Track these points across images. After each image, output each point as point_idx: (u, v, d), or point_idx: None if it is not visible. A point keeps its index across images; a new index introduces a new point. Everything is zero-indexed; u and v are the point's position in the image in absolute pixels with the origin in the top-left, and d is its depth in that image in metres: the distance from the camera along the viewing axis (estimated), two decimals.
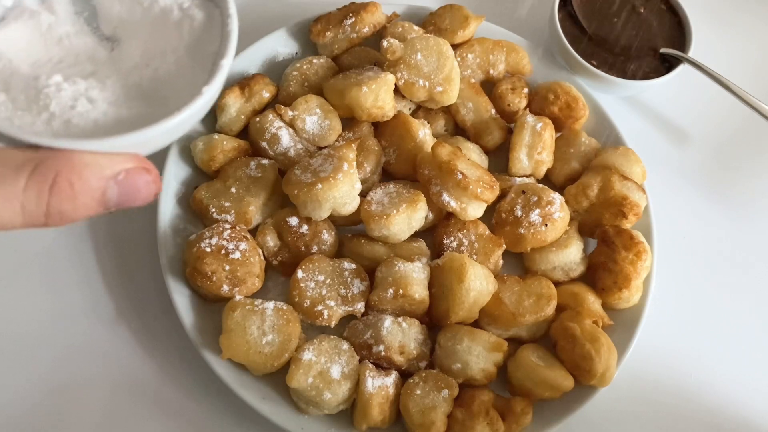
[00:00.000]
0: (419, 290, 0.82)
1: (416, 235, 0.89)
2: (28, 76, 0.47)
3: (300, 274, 0.84)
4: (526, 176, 0.96)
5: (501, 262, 0.90)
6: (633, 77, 1.02)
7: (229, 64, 0.49)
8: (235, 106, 0.92)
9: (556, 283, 0.89)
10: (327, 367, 0.78)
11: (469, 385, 0.82)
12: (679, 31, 1.06)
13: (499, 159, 0.97)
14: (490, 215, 0.91)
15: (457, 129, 1.00)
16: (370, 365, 0.80)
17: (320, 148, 0.92)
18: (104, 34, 0.53)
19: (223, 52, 0.49)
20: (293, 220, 0.87)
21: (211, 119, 0.94)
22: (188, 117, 0.45)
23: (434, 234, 0.91)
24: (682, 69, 1.02)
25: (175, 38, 0.52)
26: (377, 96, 0.89)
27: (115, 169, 0.41)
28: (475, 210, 0.87)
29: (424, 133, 0.92)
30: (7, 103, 0.45)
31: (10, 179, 0.38)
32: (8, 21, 0.49)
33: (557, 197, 0.89)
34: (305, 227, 0.87)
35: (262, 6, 1.10)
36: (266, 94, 0.94)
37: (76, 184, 0.39)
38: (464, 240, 0.88)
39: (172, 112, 0.44)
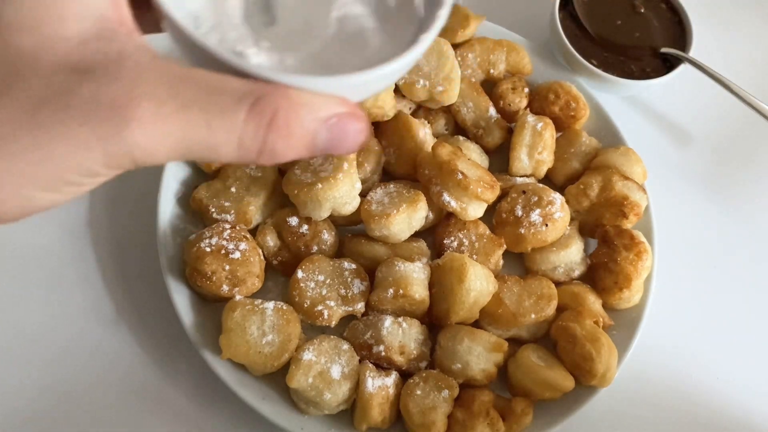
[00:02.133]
0: (419, 290, 0.82)
1: (416, 235, 0.89)
2: (233, 14, 0.46)
3: (300, 274, 0.84)
4: (527, 176, 0.95)
5: (501, 262, 0.89)
6: (633, 77, 1.02)
7: (446, 15, 0.46)
8: None
9: (557, 283, 0.89)
10: (327, 368, 0.78)
11: (469, 385, 0.82)
12: (679, 31, 1.06)
13: (500, 159, 0.97)
14: (491, 215, 0.91)
15: (457, 129, 0.99)
16: (371, 365, 0.80)
17: None
18: None
19: (439, 3, 0.46)
20: (293, 220, 0.87)
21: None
22: (404, 64, 0.44)
23: (434, 234, 0.91)
24: (683, 69, 1.02)
25: None
26: (377, 96, 0.88)
27: (329, 112, 0.40)
28: (475, 210, 0.86)
29: (424, 132, 0.92)
30: (213, 38, 0.44)
31: (231, 110, 0.37)
32: None
33: (558, 197, 0.89)
34: (305, 227, 0.87)
35: None
36: None
37: (293, 124, 0.38)
38: (464, 240, 0.88)
39: (389, 57, 0.43)
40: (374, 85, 0.45)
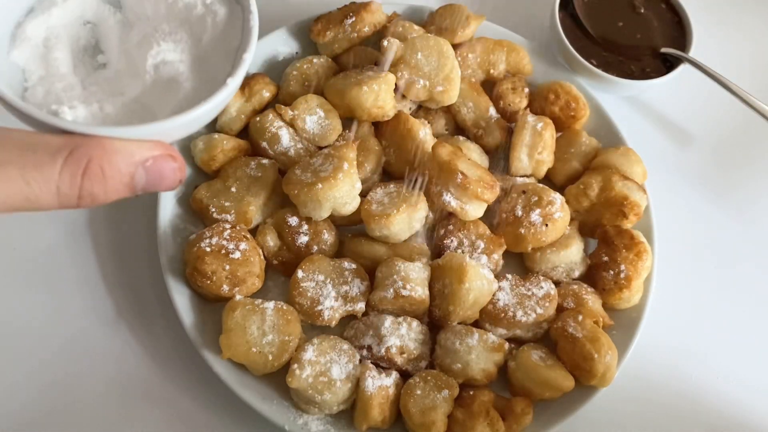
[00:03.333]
0: (419, 290, 0.82)
1: (416, 235, 0.89)
2: (59, 64, 0.50)
3: (300, 274, 0.84)
4: (527, 176, 0.95)
5: (501, 262, 0.89)
6: (633, 77, 1.02)
7: (251, 58, 0.51)
8: (236, 105, 0.92)
9: (557, 283, 0.89)
10: (327, 367, 0.78)
11: (469, 385, 0.82)
12: (679, 31, 1.06)
13: (500, 159, 0.97)
14: (491, 215, 0.91)
15: (457, 129, 0.99)
16: (371, 365, 0.80)
17: (320, 148, 0.92)
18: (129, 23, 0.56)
19: (245, 47, 0.52)
20: (293, 220, 0.87)
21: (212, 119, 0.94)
22: (212, 107, 0.48)
23: (434, 234, 0.91)
24: (683, 69, 1.02)
25: (198, 32, 0.54)
26: (377, 96, 0.89)
27: (143, 156, 0.44)
28: (475, 210, 0.86)
29: (424, 132, 0.92)
30: (40, 91, 0.48)
31: (48, 164, 0.40)
32: (40, 10, 0.52)
33: (558, 197, 0.89)
34: (305, 227, 0.87)
35: (262, 6, 1.09)
36: (266, 94, 0.94)
37: (107, 169, 0.42)
38: (464, 240, 0.88)
39: (197, 102, 0.47)
40: (186, 128, 0.50)
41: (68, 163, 0.41)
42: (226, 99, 0.50)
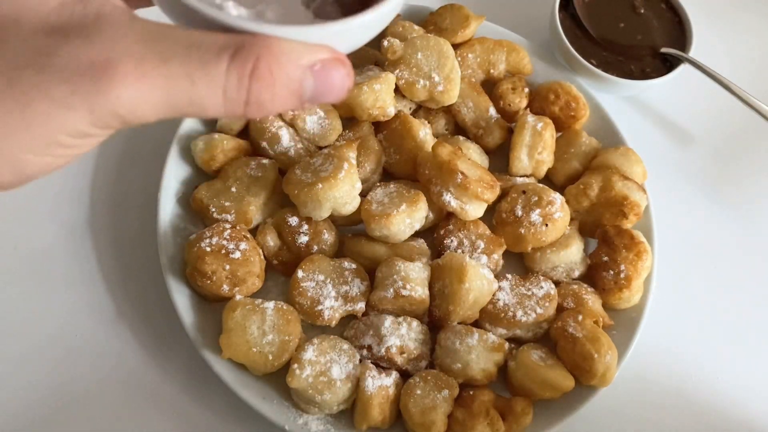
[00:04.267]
0: (419, 290, 0.82)
1: (416, 235, 0.89)
2: None
3: (300, 274, 0.84)
4: (527, 176, 0.95)
5: (501, 262, 0.90)
6: (633, 77, 1.02)
7: None
8: None
9: (557, 283, 0.89)
10: (327, 367, 0.78)
11: (469, 385, 0.82)
12: (679, 31, 1.06)
13: (500, 159, 0.97)
14: (491, 215, 0.91)
15: (457, 129, 0.99)
16: (371, 365, 0.80)
17: (320, 148, 0.92)
18: None
19: None
20: (293, 220, 0.87)
21: (212, 119, 0.94)
22: (384, 14, 0.44)
23: (435, 234, 0.91)
24: (683, 69, 1.02)
25: None
26: (377, 96, 0.89)
27: (312, 59, 0.40)
28: (475, 210, 0.87)
29: (424, 132, 0.92)
30: None
31: (213, 63, 0.37)
32: None
33: (558, 197, 0.89)
34: (305, 227, 0.87)
35: None
36: None
37: (275, 71, 0.38)
38: (464, 240, 0.88)
39: (371, 6, 0.42)
40: (359, 34, 0.45)
41: (235, 61, 0.37)
42: (395, 8, 0.45)
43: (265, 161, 0.89)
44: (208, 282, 0.80)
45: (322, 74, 0.40)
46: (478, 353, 0.81)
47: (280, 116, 0.91)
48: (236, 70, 0.37)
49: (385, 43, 0.92)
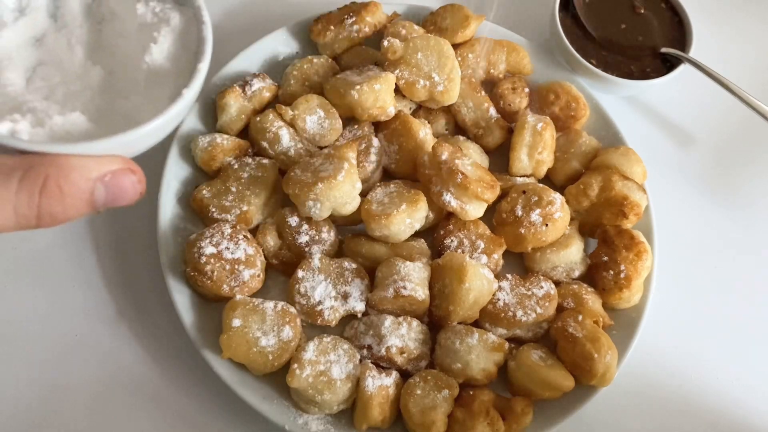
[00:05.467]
0: (420, 290, 0.82)
1: (416, 235, 0.89)
2: (10, 84, 0.49)
3: (300, 274, 0.84)
4: (527, 176, 0.95)
5: (501, 261, 0.89)
6: (634, 77, 1.02)
7: (206, 68, 0.51)
8: (236, 105, 0.92)
9: (557, 283, 0.89)
10: (327, 367, 0.78)
11: (469, 385, 0.82)
12: (679, 31, 1.06)
13: (500, 159, 0.97)
14: (491, 215, 0.91)
15: (457, 128, 0.99)
16: (371, 365, 0.80)
17: (321, 148, 0.92)
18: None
19: (200, 56, 0.52)
20: (293, 220, 0.87)
21: (212, 119, 0.94)
22: (170, 119, 0.48)
23: (435, 234, 0.91)
24: (683, 69, 1.02)
25: (149, 42, 0.54)
26: (378, 96, 0.89)
27: (101, 171, 0.43)
28: (475, 210, 0.87)
29: (424, 132, 0.92)
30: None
31: (3, 185, 0.40)
32: None
33: (558, 197, 0.89)
34: (305, 227, 0.87)
35: (262, 5, 1.10)
36: (267, 94, 0.94)
37: (65, 187, 0.41)
38: (464, 240, 0.88)
39: (155, 114, 0.46)
40: (145, 141, 0.49)
41: (24, 182, 0.40)
42: (183, 111, 0.49)
43: (265, 161, 0.89)
44: (208, 282, 0.80)
45: (113, 183, 0.43)
46: (478, 353, 0.81)
47: (281, 116, 0.91)
48: (26, 190, 0.40)
49: (385, 43, 0.92)
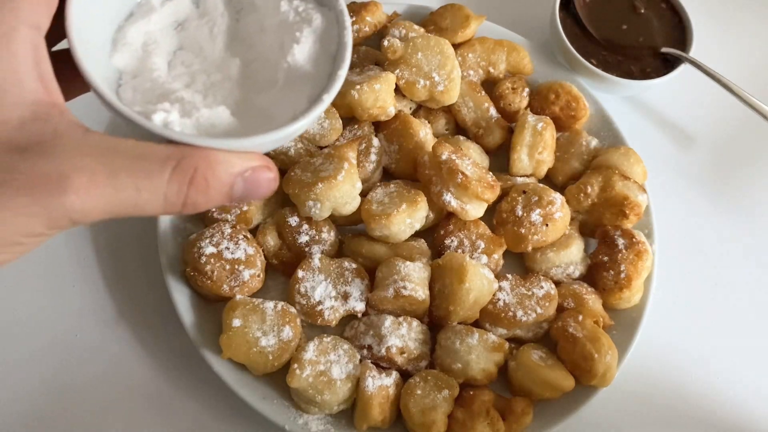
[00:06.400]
0: (420, 290, 0.82)
1: (416, 235, 0.89)
2: (156, 69, 0.51)
3: (300, 273, 0.84)
4: (527, 176, 0.95)
5: (501, 261, 0.89)
6: (634, 77, 1.02)
7: (345, 74, 0.52)
8: None
9: (557, 283, 0.89)
10: (327, 367, 0.78)
11: (469, 385, 0.82)
12: (680, 31, 1.06)
13: (500, 159, 0.97)
14: (491, 215, 0.91)
15: (457, 128, 0.99)
16: (371, 365, 0.80)
17: (321, 148, 0.92)
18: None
19: (340, 62, 0.52)
20: (293, 220, 0.87)
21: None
22: (309, 122, 0.50)
23: (435, 234, 0.91)
24: (683, 69, 1.02)
25: (292, 41, 0.54)
26: (378, 95, 0.89)
27: (243, 167, 0.46)
28: (475, 210, 0.86)
29: (424, 132, 0.92)
30: (138, 97, 0.49)
31: (157, 174, 0.43)
32: (140, 14, 0.53)
33: (558, 197, 0.89)
34: (305, 227, 0.87)
35: None
36: None
37: (210, 180, 0.44)
38: (465, 240, 0.88)
39: (296, 117, 0.49)
40: (282, 142, 0.52)
41: (176, 172, 0.43)
42: (319, 115, 0.52)
43: None
44: (208, 282, 0.80)
45: (251, 179, 0.47)
46: (479, 353, 0.80)
47: None
48: (177, 180, 0.43)
49: (386, 42, 0.92)
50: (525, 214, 0.88)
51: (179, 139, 0.45)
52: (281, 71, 0.53)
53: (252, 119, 0.51)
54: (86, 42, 0.46)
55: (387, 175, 0.95)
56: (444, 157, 0.85)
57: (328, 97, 0.50)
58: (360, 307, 0.83)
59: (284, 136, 0.49)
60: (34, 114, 0.42)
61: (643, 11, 1.07)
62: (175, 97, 0.49)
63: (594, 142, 0.97)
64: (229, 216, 0.86)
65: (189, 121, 0.48)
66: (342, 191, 0.81)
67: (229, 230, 0.83)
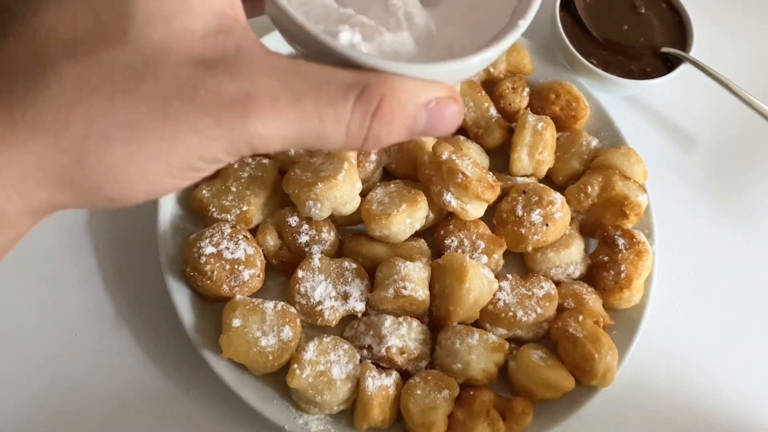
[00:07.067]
0: (420, 290, 0.81)
1: (416, 235, 0.89)
2: (332, 2, 0.47)
3: (300, 273, 0.84)
4: (527, 176, 0.95)
5: (501, 261, 0.89)
6: (634, 77, 1.02)
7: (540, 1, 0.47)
8: None
9: (557, 283, 0.89)
10: (327, 367, 0.78)
11: (469, 385, 0.82)
12: (680, 31, 1.06)
13: (500, 159, 0.97)
14: (491, 215, 0.91)
15: (457, 128, 0.99)
16: (371, 365, 0.80)
17: None
18: None
19: None
20: (293, 220, 0.87)
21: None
22: (501, 50, 0.45)
23: (435, 234, 0.91)
24: (684, 69, 1.02)
25: None
26: None
27: (428, 96, 0.42)
28: (475, 210, 0.86)
29: None
30: (313, 18, 0.45)
31: (341, 102, 0.39)
32: None
33: (558, 197, 0.89)
34: (305, 227, 0.87)
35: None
36: None
37: (396, 110, 0.41)
38: (465, 240, 0.88)
39: (489, 42, 0.44)
40: (473, 70, 0.46)
41: (360, 101, 0.40)
42: (514, 40, 0.46)
43: (265, 161, 0.89)
44: (208, 282, 0.80)
45: (435, 111, 0.42)
46: (479, 353, 0.80)
47: None
48: (360, 110, 0.40)
49: None
50: (525, 214, 0.88)
51: (366, 62, 0.40)
52: (463, 5, 0.49)
53: (435, 50, 0.47)
54: None
55: (387, 175, 0.95)
56: (444, 157, 0.85)
57: (524, 23, 0.45)
58: (360, 307, 0.83)
59: (474, 64, 0.43)
60: (219, 26, 0.39)
61: (643, 11, 1.07)
62: (355, 21, 0.45)
63: (594, 142, 0.97)
64: (229, 216, 0.86)
65: (372, 45, 0.44)
66: (342, 191, 0.81)
67: (229, 230, 0.83)
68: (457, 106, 0.44)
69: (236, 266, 0.81)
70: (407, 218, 0.84)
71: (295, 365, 0.77)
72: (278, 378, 0.80)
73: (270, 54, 0.40)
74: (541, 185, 0.92)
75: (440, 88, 0.43)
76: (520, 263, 0.92)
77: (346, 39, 0.43)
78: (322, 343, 0.80)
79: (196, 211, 0.88)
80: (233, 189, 0.87)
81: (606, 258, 0.88)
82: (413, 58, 0.45)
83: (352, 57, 0.40)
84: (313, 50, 0.42)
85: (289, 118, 0.38)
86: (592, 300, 0.87)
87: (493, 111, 0.97)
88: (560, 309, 0.86)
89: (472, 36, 0.47)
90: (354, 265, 0.85)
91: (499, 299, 0.84)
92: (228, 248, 0.81)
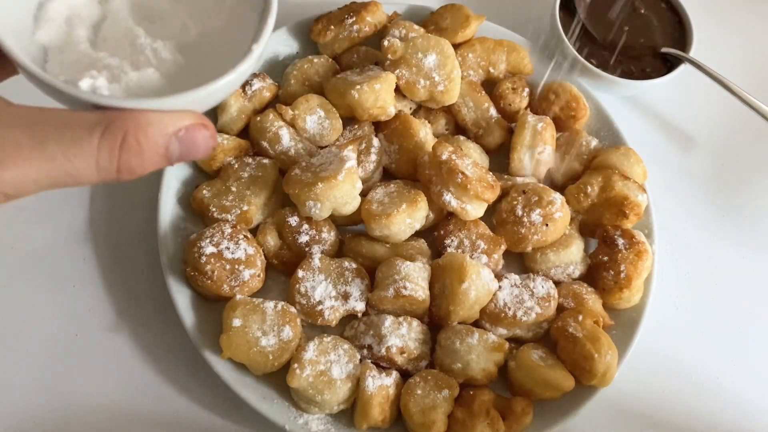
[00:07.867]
0: (420, 290, 0.82)
1: (416, 235, 0.89)
2: (82, 42, 0.51)
3: (300, 273, 0.84)
4: (527, 176, 0.95)
5: (501, 261, 0.89)
6: (633, 77, 1.02)
7: (273, 24, 0.51)
8: (236, 105, 0.92)
9: (557, 283, 0.89)
10: (327, 367, 0.78)
11: (469, 385, 0.82)
12: (680, 31, 1.06)
13: (500, 159, 0.97)
14: (491, 215, 0.91)
15: (457, 128, 0.99)
16: (371, 365, 0.80)
17: (321, 148, 0.92)
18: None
19: (266, 15, 0.51)
20: (293, 220, 0.87)
21: (212, 118, 0.94)
22: (241, 74, 0.48)
23: (435, 234, 0.91)
24: (683, 69, 1.02)
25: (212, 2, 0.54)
26: (378, 96, 0.89)
27: (176, 126, 0.45)
28: (475, 210, 0.86)
29: (424, 132, 0.92)
30: (66, 70, 0.48)
31: (86, 140, 0.42)
32: None
33: (558, 197, 0.89)
34: (305, 227, 0.87)
35: None
36: (267, 94, 0.94)
37: (143, 142, 0.43)
38: (465, 240, 0.88)
39: (226, 70, 0.47)
40: (214, 96, 0.50)
41: (105, 137, 0.42)
42: (252, 65, 0.50)
43: (265, 161, 0.89)
44: (208, 282, 0.80)
45: (187, 138, 0.45)
46: (479, 353, 0.80)
47: (281, 116, 0.91)
48: (107, 145, 0.42)
49: (386, 42, 0.92)
50: (525, 214, 0.88)
51: (106, 103, 0.44)
52: (210, 30, 0.53)
53: (183, 80, 0.50)
54: (6, 20, 0.46)
55: (387, 175, 0.95)
56: (444, 157, 0.85)
57: (257, 48, 0.49)
58: (360, 307, 0.83)
59: (214, 90, 0.47)
60: None
61: (643, 11, 1.07)
62: (103, 65, 0.49)
63: (594, 142, 0.97)
64: (229, 216, 0.86)
65: (118, 86, 0.47)
66: (342, 191, 0.81)
67: (230, 230, 0.83)
68: (208, 131, 0.47)
69: (236, 266, 0.81)
70: (407, 218, 0.84)
71: (296, 365, 0.77)
72: (278, 378, 0.80)
73: (11, 107, 0.42)
74: (541, 185, 0.92)
75: (188, 117, 0.46)
76: (520, 263, 0.93)
77: (88, 85, 0.46)
78: (322, 343, 0.80)
79: (196, 211, 0.88)
80: (233, 189, 0.87)
81: (606, 258, 0.88)
82: (159, 91, 0.49)
83: (94, 101, 0.44)
84: (63, 99, 0.45)
85: (34, 162, 0.41)
86: (592, 300, 0.87)
87: (493, 111, 0.97)
88: (560, 309, 0.86)
89: (219, 63, 0.50)
90: (354, 265, 0.85)
91: (498, 299, 0.84)
92: (228, 248, 0.81)
